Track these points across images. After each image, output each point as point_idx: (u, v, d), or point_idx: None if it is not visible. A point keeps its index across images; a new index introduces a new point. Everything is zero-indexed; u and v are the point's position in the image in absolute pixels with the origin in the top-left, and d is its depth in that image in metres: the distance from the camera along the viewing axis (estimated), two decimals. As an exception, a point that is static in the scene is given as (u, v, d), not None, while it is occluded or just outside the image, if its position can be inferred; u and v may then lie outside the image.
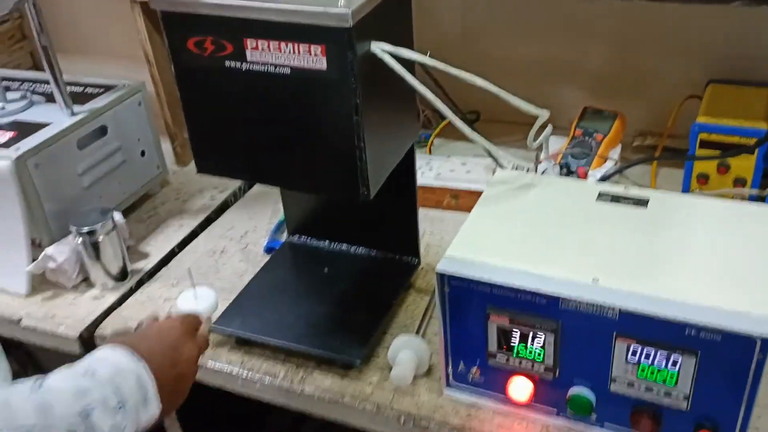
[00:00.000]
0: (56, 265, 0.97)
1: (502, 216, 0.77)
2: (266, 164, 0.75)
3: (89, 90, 1.13)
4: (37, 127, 1.02)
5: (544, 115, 0.76)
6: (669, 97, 1.16)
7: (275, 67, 0.68)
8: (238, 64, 0.70)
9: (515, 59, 1.26)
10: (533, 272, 0.68)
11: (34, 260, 0.98)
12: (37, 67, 1.71)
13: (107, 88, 1.13)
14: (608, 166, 1.06)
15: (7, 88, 1.14)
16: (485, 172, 1.10)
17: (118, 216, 1.02)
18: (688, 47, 1.15)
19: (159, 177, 1.21)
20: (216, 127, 0.75)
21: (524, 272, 0.68)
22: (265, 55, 0.68)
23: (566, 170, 1.06)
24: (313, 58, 0.66)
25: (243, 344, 0.86)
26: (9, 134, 1.00)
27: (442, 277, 0.70)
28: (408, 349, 0.78)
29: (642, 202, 0.76)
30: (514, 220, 0.76)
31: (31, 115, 1.06)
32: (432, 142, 1.25)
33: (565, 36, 1.22)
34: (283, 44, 0.67)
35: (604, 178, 1.02)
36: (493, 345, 0.72)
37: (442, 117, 1.27)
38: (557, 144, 1.11)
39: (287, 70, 0.68)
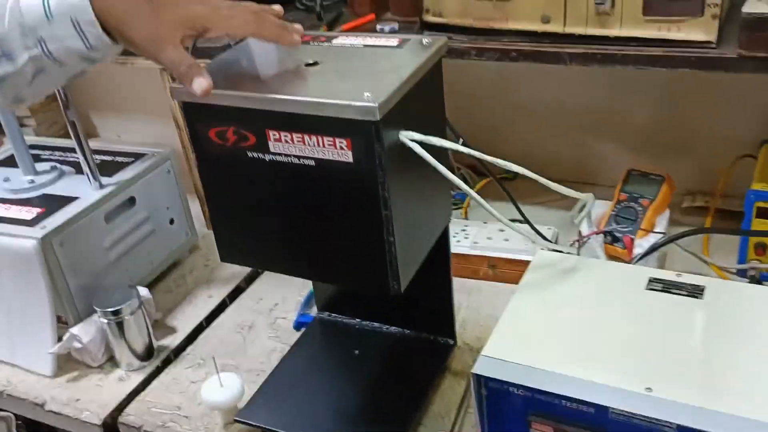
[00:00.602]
0: (81, 346, 0.94)
1: (543, 307, 0.72)
2: (291, 255, 0.71)
3: (119, 159, 1.11)
4: (65, 201, 1.00)
5: (587, 199, 0.71)
6: (719, 155, 1.10)
7: (299, 159, 0.65)
8: (261, 155, 0.66)
9: (554, 110, 1.21)
10: (579, 377, 0.62)
11: (59, 338, 0.95)
12: (72, 124, 1.73)
13: (137, 157, 1.11)
14: (656, 234, 1.00)
15: (37, 158, 1.13)
16: (524, 240, 1.04)
17: (144, 292, 0.99)
18: (739, 103, 1.08)
19: (188, 243, 1.18)
20: (239, 217, 0.72)
21: (569, 377, 0.62)
22: (288, 147, 0.64)
23: (611, 238, 1.01)
24: (338, 151, 0.62)
25: (270, 436, 0.82)
26: (36, 210, 0.99)
27: (479, 379, 0.65)
28: (444, 451, 0.73)
29: (697, 292, 0.70)
30: (557, 312, 0.71)
31: (59, 188, 1.05)
32: (468, 203, 1.20)
33: (608, 88, 1.16)
34: (306, 137, 0.63)
35: (652, 249, 0.96)
36: (535, 454, 0.66)
37: (480, 175, 1.24)
38: (600, 208, 1.06)
39: (312, 162, 0.64)
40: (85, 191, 1.02)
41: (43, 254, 0.93)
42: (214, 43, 0.74)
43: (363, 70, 0.66)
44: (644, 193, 1.03)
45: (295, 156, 0.65)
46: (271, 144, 0.65)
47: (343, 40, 0.73)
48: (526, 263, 0.79)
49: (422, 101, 0.68)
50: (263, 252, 0.73)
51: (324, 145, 0.63)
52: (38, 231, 0.93)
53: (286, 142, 0.64)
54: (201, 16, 0.64)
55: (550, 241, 1.02)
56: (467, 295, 1.01)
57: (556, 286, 0.74)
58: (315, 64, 0.68)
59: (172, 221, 1.14)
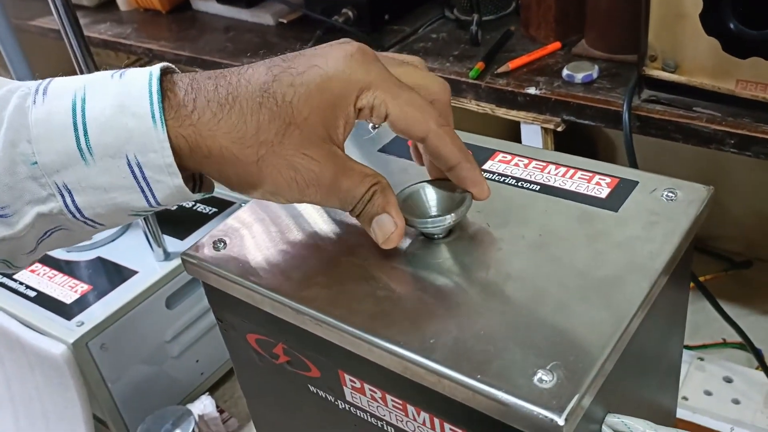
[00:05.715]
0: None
1: None
2: None
3: (200, 208, 0.85)
4: (119, 276, 0.76)
5: None
6: None
7: (396, 430, 0.34)
8: (330, 398, 0.36)
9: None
10: None
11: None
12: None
13: (222, 207, 0.84)
14: None
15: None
16: (766, 403, 0.68)
17: (207, 407, 0.74)
18: None
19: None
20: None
21: None
22: (377, 408, 0.34)
23: None
24: (470, 454, 0.31)
25: None
26: (81, 288, 0.75)
27: None
28: None
29: None
30: None
31: (117, 250, 0.80)
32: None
33: None
34: (412, 409, 0.32)
35: None
36: None
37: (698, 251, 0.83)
38: None
39: (419, 444, 0.33)
40: (145, 262, 0.77)
41: (75, 363, 0.69)
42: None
43: (535, 272, 0.33)
44: None
45: (388, 423, 0.34)
46: (347, 392, 0.34)
47: (502, 166, 0.39)
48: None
49: (654, 332, 0.34)
50: None
51: (443, 433, 0.31)
52: (72, 330, 0.70)
53: (374, 400, 0.33)
54: (374, 97, 0.31)
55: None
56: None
57: None
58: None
59: (262, 291, 0.87)
